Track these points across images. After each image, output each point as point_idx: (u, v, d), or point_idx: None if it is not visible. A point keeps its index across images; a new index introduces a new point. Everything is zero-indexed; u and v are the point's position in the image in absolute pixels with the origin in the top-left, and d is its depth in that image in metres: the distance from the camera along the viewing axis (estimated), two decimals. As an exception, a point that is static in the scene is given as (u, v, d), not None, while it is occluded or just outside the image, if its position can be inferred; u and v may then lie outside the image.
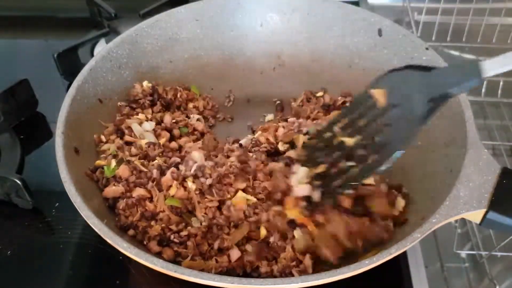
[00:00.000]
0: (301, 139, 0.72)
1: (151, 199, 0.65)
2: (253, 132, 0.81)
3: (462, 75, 0.55)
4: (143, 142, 0.73)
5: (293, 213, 0.63)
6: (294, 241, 0.62)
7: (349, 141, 0.63)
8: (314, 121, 0.79)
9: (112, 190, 0.65)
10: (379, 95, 0.61)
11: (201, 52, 0.88)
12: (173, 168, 0.67)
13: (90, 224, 0.56)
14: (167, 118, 0.78)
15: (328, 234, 0.61)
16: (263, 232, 0.63)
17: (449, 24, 1.03)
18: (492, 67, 0.54)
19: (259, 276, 0.61)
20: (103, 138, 0.73)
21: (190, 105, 0.85)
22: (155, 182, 0.66)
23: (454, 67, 0.59)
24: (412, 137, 0.58)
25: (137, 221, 0.64)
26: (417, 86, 0.58)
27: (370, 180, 0.65)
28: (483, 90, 0.95)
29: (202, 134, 0.81)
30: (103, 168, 0.68)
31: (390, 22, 0.81)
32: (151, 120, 0.78)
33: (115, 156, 0.70)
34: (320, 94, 0.85)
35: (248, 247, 0.62)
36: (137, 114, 0.78)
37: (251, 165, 0.69)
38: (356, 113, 0.63)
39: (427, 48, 0.75)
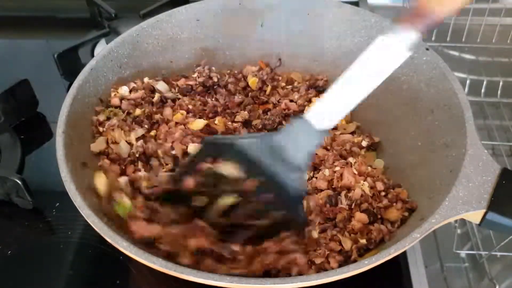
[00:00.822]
0: None
1: None
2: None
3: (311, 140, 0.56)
4: None
5: None
6: None
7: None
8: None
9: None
10: (228, 168, 0.57)
11: (201, 52, 0.88)
12: None
13: (90, 223, 0.56)
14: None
15: None
16: None
17: (448, 24, 1.03)
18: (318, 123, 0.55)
19: None
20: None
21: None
22: None
23: (298, 134, 0.57)
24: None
25: None
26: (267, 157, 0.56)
27: None
28: (483, 90, 0.95)
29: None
30: None
31: (390, 22, 0.81)
32: None
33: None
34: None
35: None
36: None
37: None
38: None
39: (427, 49, 0.75)
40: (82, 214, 0.57)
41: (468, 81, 0.94)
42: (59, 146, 0.63)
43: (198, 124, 0.75)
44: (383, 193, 0.67)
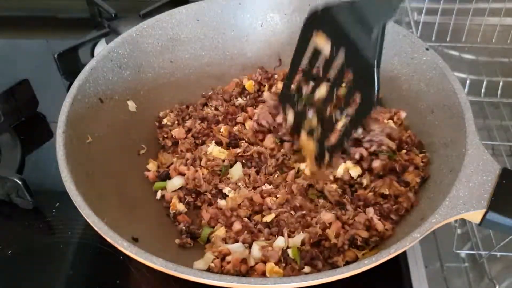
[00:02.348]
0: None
1: None
2: None
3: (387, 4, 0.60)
4: None
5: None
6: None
7: (321, 92, 0.68)
8: None
9: None
10: (321, 41, 0.65)
11: (201, 52, 0.88)
12: None
13: (90, 223, 0.56)
14: None
15: None
16: None
17: (449, 24, 1.03)
18: None
19: None
20: None
21: None
22: None
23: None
24: (377, 76, 0.61)
25: None
26: (350, 24, 0.62)
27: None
28: (483, 90, 0.95)
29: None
30: None
31: (390, 22, 0.81)
32: None
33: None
34: None
35: None
36: None
37: None
38: (308, 66, 0.68)
39: (427, 49, 0.75)
40: (82, 214, 0.57)
41: (468, 81, 0.94)
42: (59, 146, 0.63)
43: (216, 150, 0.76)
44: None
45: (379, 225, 0.63)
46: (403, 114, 0.76)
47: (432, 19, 1.04)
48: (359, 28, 0.61)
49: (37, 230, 0.73)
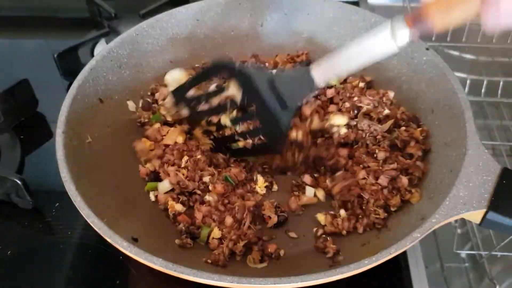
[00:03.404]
0: None
1: None
2: None
3: (305, 87, 0.65)
4: None
5: None
6: None
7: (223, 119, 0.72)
8: None
9: None
10: (233, 88, 0.67)
11: (201, 52, 0.88)
12: None
13: (90, 223, 0.56)
14: None
15: None
16: None
17: (449, 24, 1.03)
18: (318, 76, 0.63)
19: None
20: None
21: None
22: None
23: (295, 79, 0.66)
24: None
25: None
26: (268, 92, 0.65)
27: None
28: (483, 90, 0.95)
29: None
30: None
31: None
32: None
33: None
34: None
35: None
36: None
37: None
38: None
39: (427, 49, 0.75)
40: (82, 214, 0.57)
41: (468, 81, 0.94)
42: (59, 146, 0.63)
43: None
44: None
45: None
46: (391, 94, 0.78)
47: (432, 19, 1.03)
48: (276, 100, 0.66)
49: (37, 230, 0.72)
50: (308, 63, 0.86)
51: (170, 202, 0.69)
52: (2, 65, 1.01)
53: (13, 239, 0.71)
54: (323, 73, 0.64)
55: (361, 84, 0.81)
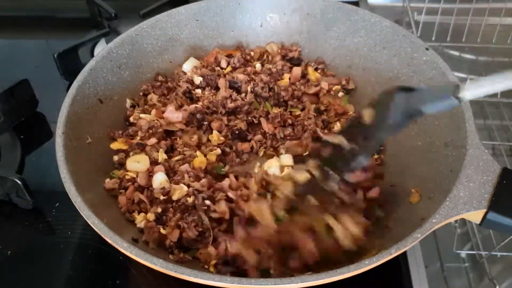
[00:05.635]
0: None
1: None
2: None
3: (437, 96, 0.58)
4: None
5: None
6: None
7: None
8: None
9: None
10: (368, 115, 0.64)
11: (201, 52, 0.88)
12: None
13: (90, 224, 0.56)
14: None
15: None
16: None
17: (449, 24, 1.03)
18: (470, 89, 0.56)
19: None
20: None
21: None
22: None
23: (434, 87, 0.63)
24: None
25: None
26: (400, 105, 0.60)
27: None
28: (483, 90, 0.95)
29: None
30: None
31: (390, 22, 0.81)
32: None
33: None
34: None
35: None
36: None
37: None
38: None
39: (427, 49, 0.75)
40: (82, 215, 0.57)
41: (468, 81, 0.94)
42: (58, 147, 0.63)
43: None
44: None
45: None
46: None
47: (432, 19, 1.04)
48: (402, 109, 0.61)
49: (37, 230, 0.72)
50: (299, 60, 0.88)
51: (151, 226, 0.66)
52: (2, 65, 1.01)
53: (13, 239, 0.71)
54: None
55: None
